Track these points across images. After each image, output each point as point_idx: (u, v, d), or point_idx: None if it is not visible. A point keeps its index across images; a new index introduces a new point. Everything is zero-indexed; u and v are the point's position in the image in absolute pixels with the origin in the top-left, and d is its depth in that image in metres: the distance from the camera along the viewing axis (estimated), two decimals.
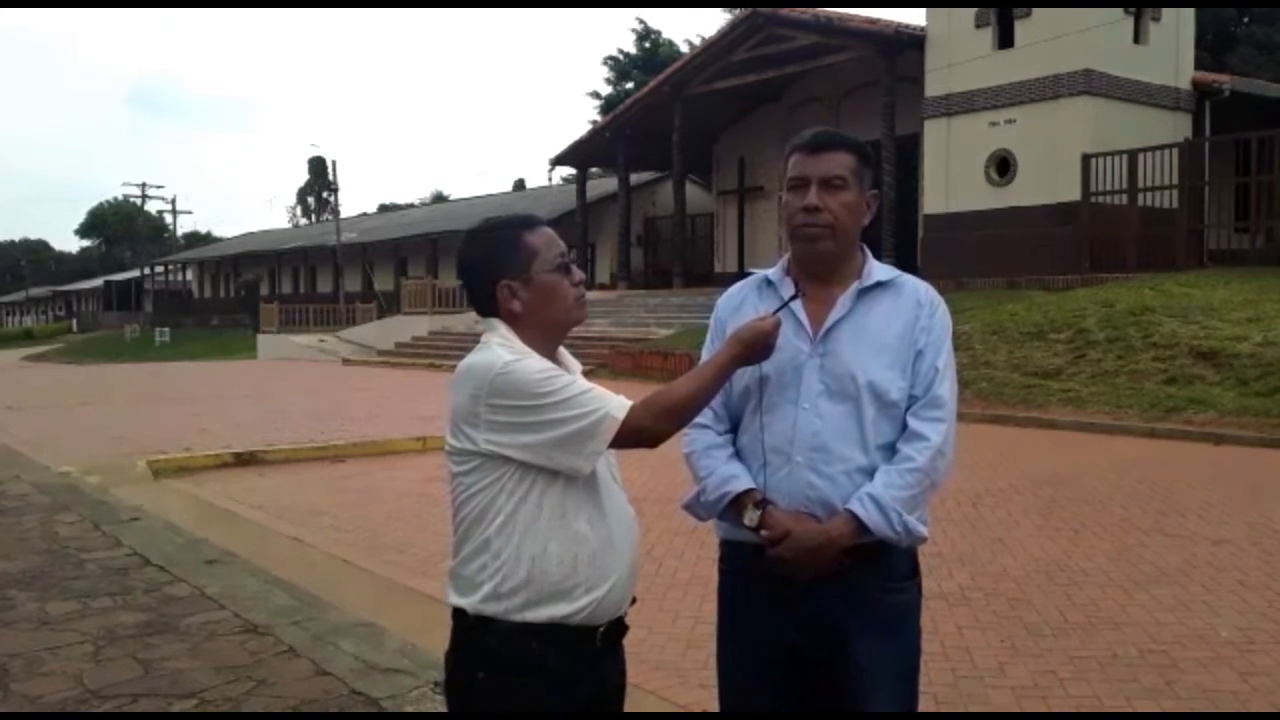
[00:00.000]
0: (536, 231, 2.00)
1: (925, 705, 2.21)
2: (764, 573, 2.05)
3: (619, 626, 1.99)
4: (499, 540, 1.89)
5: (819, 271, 2.14)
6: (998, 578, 5.25)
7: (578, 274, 2.03)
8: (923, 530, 2.06)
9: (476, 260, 2.01)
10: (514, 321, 1.97)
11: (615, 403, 1.89)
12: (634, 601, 2.03)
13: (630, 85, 41.42)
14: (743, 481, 2.07)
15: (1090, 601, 4.82)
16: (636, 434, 1.89)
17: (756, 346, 2.00)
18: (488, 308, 1.99)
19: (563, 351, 2.05)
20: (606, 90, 45.32)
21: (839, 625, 2.03)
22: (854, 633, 2.03)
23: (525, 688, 1.87)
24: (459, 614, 1.93)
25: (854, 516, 1.99)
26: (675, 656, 4.15)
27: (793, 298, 2.10)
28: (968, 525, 6.41)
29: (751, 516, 2.03)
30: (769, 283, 2.21)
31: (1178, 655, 4.10)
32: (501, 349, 1.91)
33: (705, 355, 2.18)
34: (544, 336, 1.98)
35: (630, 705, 2.08)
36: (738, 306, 2.22)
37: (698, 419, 2.08)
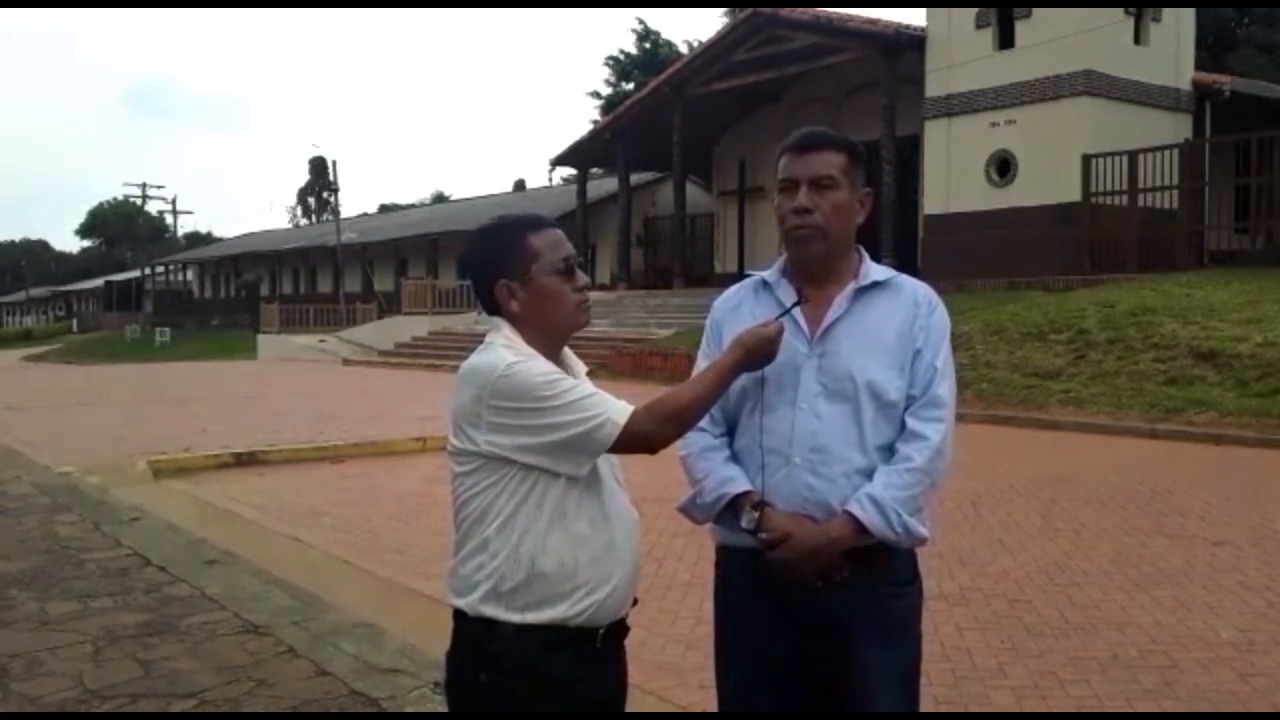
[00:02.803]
0: (541, 233, 1.98)
1: (925, 705, 2.21)
2: (763, 577, 2.03)
3: (620, 628, 1.98)
4: (498, 540, 1.88)
5: (815, 272, 2.12)
6: (998, 578, 5.25)
7: (582, 278, 2.01)
8: (923, 531, 2.04)
9: (478, 258, 2.01)
10: (515, 322, 1.96)
11: (617, 408, 1.88)
12: (635, 603, 2.02)
13: (630, 85, 41.41)
14: (740, 483, 2.06)
15: (1090, 602, 4.82)
16: (638, 439, 1.88)
17: (759, 352, 1.98)
18: (491, 306, 1.99)
19: (567, 352, 2.04)
20: (607, 90, 45.32)
21: (842, 629, 2.02)
22: (857, 636, 2.02)
23: (526, 690, 1.86)
24: (459, 614, 1.93)
25: (853, 518, 1.98)
26: (675, 657, 4.14)
27: (795, 304, 2.08)
28: (968, 526, 6.41)
29: (749, 518, 2.01)
30: (765, 284, 2.19)
31: (1178, 656, 4.10)
32: (505, 350, 1.90)
33: (701, 357, 2.17)
34: (545, 338, 1.97)
35: (630, 706, 2.08)
36: (735, 308, 2.21)
37: None
